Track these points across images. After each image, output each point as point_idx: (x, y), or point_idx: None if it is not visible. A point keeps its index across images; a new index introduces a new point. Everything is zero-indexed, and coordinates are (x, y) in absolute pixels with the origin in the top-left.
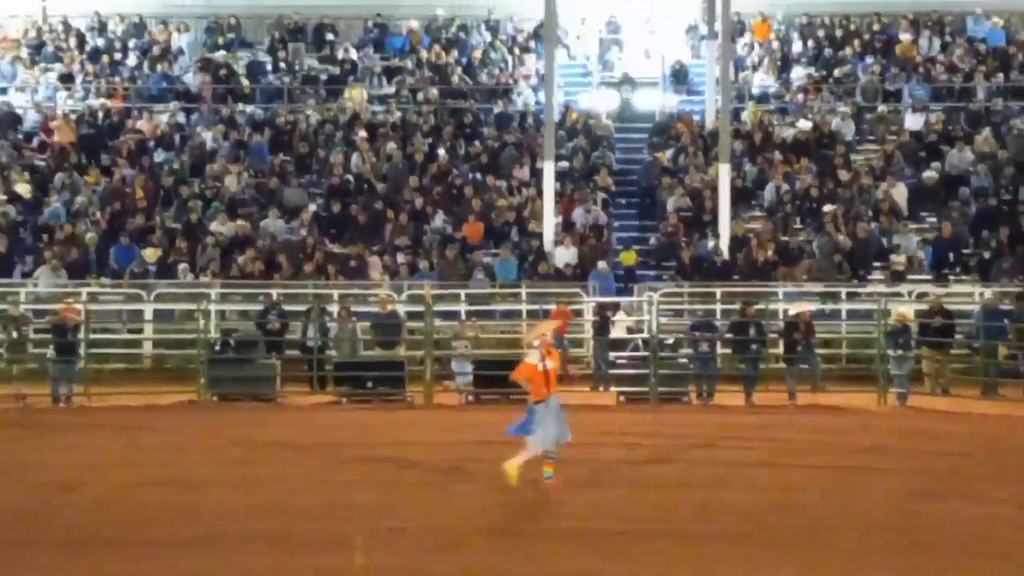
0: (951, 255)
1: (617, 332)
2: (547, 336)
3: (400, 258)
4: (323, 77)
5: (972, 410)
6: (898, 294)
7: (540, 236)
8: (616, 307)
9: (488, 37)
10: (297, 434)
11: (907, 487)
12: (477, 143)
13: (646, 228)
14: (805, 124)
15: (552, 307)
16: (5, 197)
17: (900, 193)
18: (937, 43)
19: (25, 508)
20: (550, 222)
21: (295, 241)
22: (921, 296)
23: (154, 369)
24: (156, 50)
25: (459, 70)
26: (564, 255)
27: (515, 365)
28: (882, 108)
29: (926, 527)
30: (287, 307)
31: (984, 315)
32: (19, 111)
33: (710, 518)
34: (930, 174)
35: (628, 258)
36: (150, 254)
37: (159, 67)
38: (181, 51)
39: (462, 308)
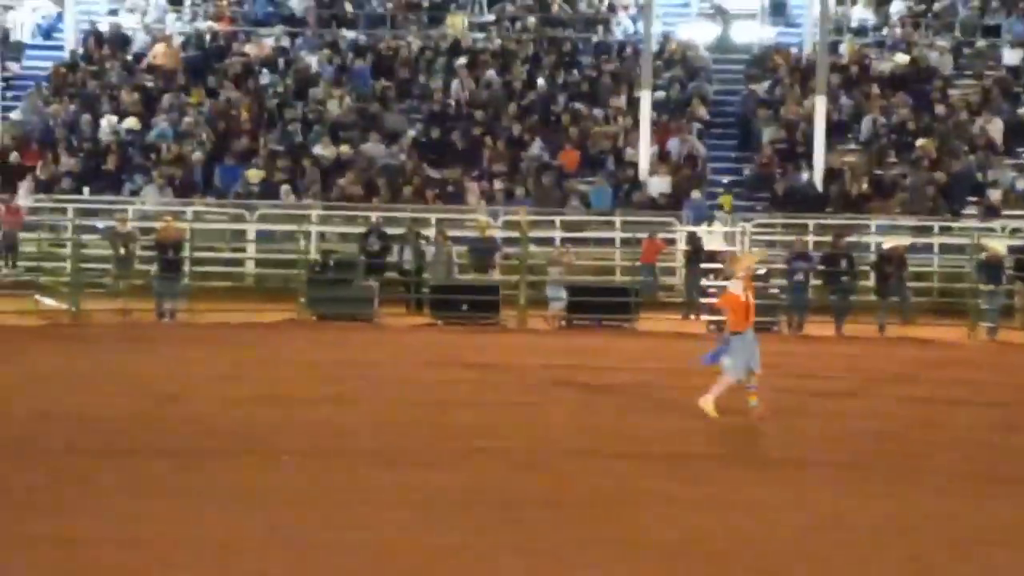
0: None
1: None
2: (752, 268)
3: (497, 184)
4: (425, 4)
5: None
6: (991, 229)
7: (635, 165)
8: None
9: None
10: (394, 354)
11: (991, 420)
12: (575, 72)
13: (741, 159)
14: (903, 58)
15: (645, 235)
16: (116, 117)
17: (996, 128)
18: None
19: (130, 418)
20: (645, 152)
21: (395, 165)
22: (1015, 232)
23: (256, 288)
24: None
25: (560, 1)
26: (659, 184)
27: (609, 292)
28: (981, 43)
29: (1007, 458)
30: (386, 230)
31: None
32: (128, 32)
33: (790, 444)
34: None
35: (726, 202)
36: (253, 175)
37: None
38: None
39: (557, 235)
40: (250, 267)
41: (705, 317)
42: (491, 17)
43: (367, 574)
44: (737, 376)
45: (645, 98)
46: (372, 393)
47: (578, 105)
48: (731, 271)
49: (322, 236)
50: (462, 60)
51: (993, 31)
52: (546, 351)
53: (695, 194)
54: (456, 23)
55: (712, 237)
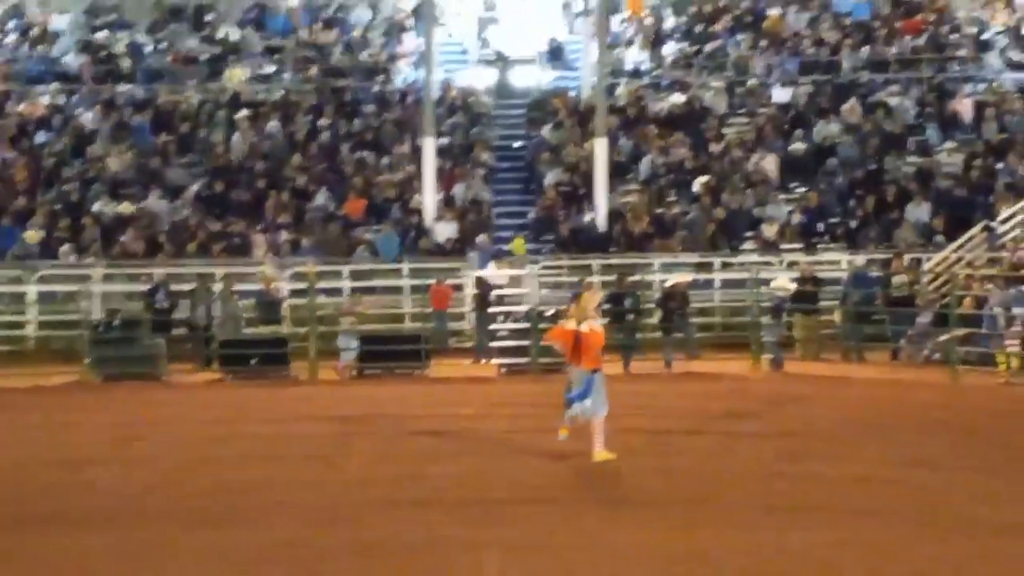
0: (820, 224)
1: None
2: (589, 305)
3: (283, 236)
4: (204, 57)
5: (842, 374)
6: (769, 263)
7: (421, 212)
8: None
9: (368, 16)
10: (184, 411)
11: (778, 449)
12: (358, 121)
13: (526, 202)
14: (678, 98)
15: (433, 282)
16: None
17: (771, 164)
18: (804, 17)
19: None
20: (431, 198)
21: (178, 221)
22: (792, 264)
23: (39, 351)
24: (35, 31)
25: (339, 49)
26: (445, 230)
27: (400, 340)
28: (752, 82)
29: (795, 488)
30: (172, 286)
31: (853, 281)
32: None
33: (588, 484)
34: (799, 146)
35: (518, 247)
36: (32, 236)
37: (39, 49)
38: (61, 32)
39: (345, 284)
40: (31, 330)
41: (496, 360)
42: (271, 69)
43: None
44: (601, 412)
45: (428, 145)
46: (163, 452)
47: (362, 154)
48: (580, 314)
49: (105, 295)
50: (243, 112)
51: (763, 70)
52: (339, 402)
53: (481, 238)
54: (235, 75)
55: (500, 279)
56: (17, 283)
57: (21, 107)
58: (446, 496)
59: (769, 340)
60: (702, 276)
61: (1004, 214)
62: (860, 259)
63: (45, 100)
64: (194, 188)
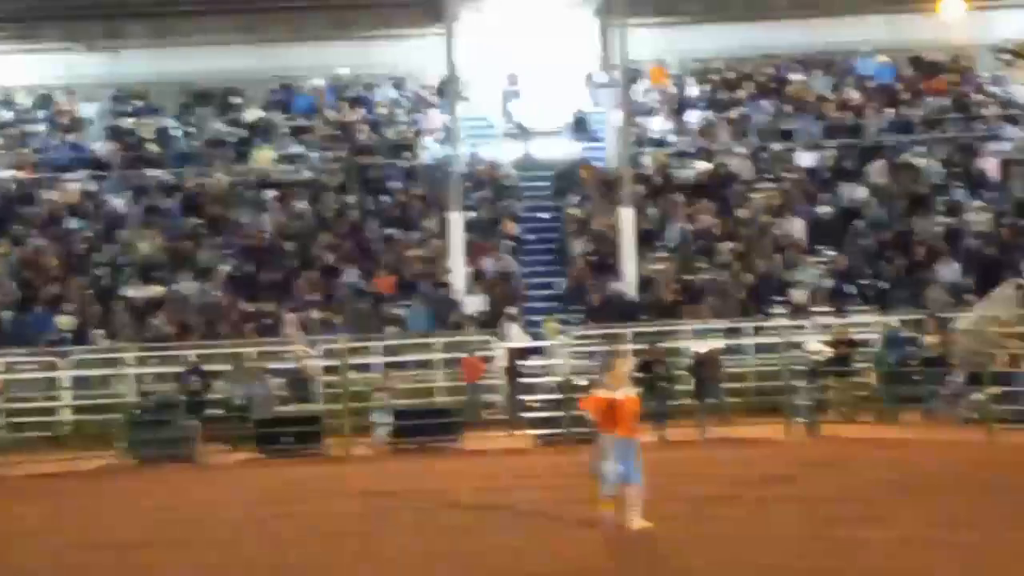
0: (850, 287)
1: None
2: (625, 374)
3: (314, 314)
4: (231, 140)
5: (877, 436)
6: (801, 326)
7: (450, 286)
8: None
9: (393, 94)
10: (219, 492)
11: (815, 513)
12: (386, 197)
13: (555, 273)
14: (703, 165)
15: (464, 355)
16: None
17: (798, 228)
18: (828, 81)
19: None
20: (460, 272)
21: (209, 302)
22: (824, 328)
23: (73, 435)
24: (64, 120)
25: (366, 127)
26: (475, 303)
27: (432, 414)
28: (777, 147)
29: (835, 551)
30: (204, 367)
31: (887, 343)
32: None
33: (627, 554)
34: (826, 209)
35: (550, 329)
36: (65, 322)
37: (68, 137)
38: (90, 120)
39: (377, 360)
40: (66, 414)
41: (530, 431)
42: (299, 148)
43: None
44: (637, 480)
45: (456, 219)
46: (200, 534)
47: (390, 230)
48: (614, 382)
49: (138, 378)
50: (271, 193)
51: (787, 135)
52: (374, 478)
53: (511, 311)
54: (263, 157)
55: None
56: (51, 369)
57: (52, 194)
58: (484, 572)
59: (804, 404)
60: (733, 342)
61: None
62: (892, 320)
63: (76, 187)
64: (224, 269)
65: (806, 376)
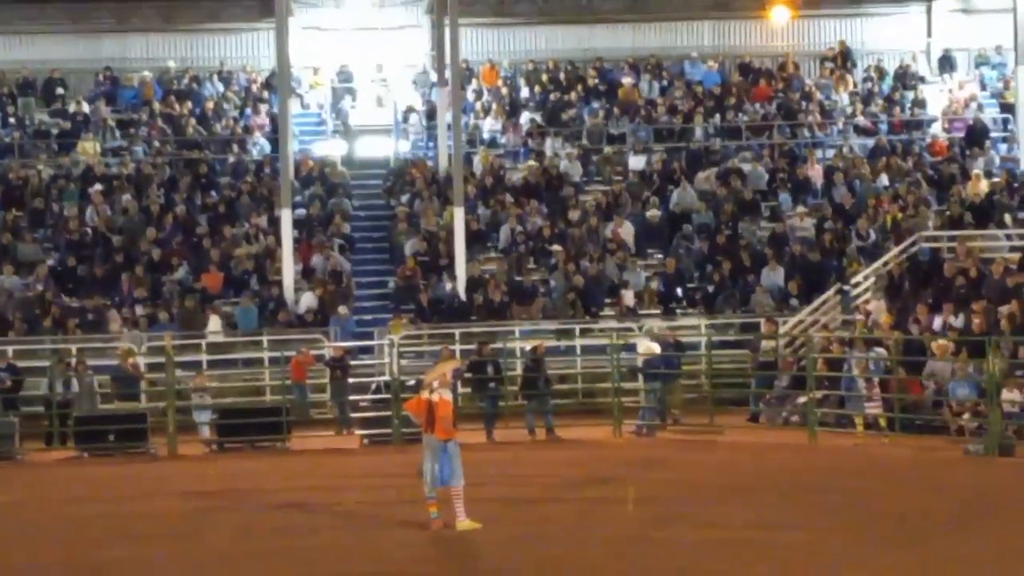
0: (678, 289)
1: None
2: (447, 376)
3: (139, 310)
4: (55, 131)
5: (703, 438)
6: (629, 329)
7: (280, 283)
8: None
9: (221, 88)
10: (39, 491)
11: (640, 514)
12: (214, 193)
13: (386, 272)
14: (534, 166)
15: (293, 353)
16: None
17: (628, 231)
18: (657, 86)
19: None
20: (290, 269)
21: (31, 296)
22: (649, 330)
23: None
24: None
25: (193, 121)
26: (305, 301)
27: (260, 412)
28: (607, 150)
29: (657, 553)
30: (25, 363)
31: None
32: None
33: (451, 554)
34: (655, 212)
35: (396, 329)
36: None
37: None
38: None
39: (203, 358)
40: None
41: (358, 431)
42: (124, 142)
43: None
44: (457, 481)
45: (286, 216)
46: (15, 534)
47: (219, 226)
48: (429, 379)
49: None
50: (96, 186)
51: (619, 138)
52: (200, 477)
53: (341, 309)
54: (88, 149)
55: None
56: None
57: None
58: (310, 571)
59: (647, 407)
60: (562, 343)
61: (855, 279)
62: (718, 323)
63: None
64: (47, 263)
65: (644, 377)
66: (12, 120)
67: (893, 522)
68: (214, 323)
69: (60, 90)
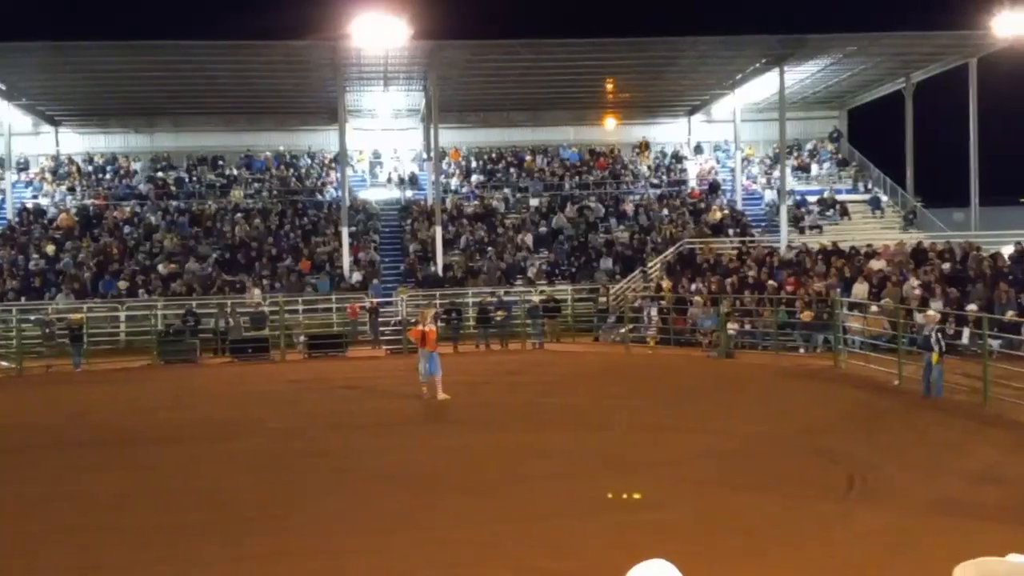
0: (556, 270)
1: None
2: (428, 316)
3: (264, 282)
4: (217, 184)
5: (569, 350)
6: (530, 291)
7: (342, 267)
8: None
9: (309, 161)
10: (210, 379)
11: (536, 391)
12: (305, 219)
13: (398, 261)
14: (479, 204)
15: (347, 304)
16: (38, 255)
17: (529, 239)
18: (545, 160)
19: (56, 425)
20: (347, 259)
21: (205, 275)
22: (541, 291)
23: (126, 348)
24: (122, 171)
25: (294, 180)
26: (356, 277)
27: (331, 336)
28: (518, 195)
29: (544, 411)
30: (202, 311)
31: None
32: (44, 207)
33: (434, 412)
34: (543, 229)
35: (402, 291)
36: (122, 285)
37: (124, 181)
38: (136, 171)
39: (300, 308)
40: (122, 336)
41: (384, 348)
42: (254, 190)
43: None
44: (438, 373)
45: (344, 231)
46: (201, 401)
47: (308, 235)
48: (421, 318)
49: (163, 317)
50: (240, 214)
51: (525, 189)
52: (297, 372)
53: (375, 281)
54: (236, 195)
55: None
56: (114, 310)
57: (115, 213)
58: (356, 421)
59: (534, 332)
60: (495, 299)
61: (650, 264)
62: (577, 287)
63: (128, 209)
64: (214, 256)
65: (532, 316)
66: (194, 178)
67: (673, 391)
68: (256, 294)
69: (220, 162)
